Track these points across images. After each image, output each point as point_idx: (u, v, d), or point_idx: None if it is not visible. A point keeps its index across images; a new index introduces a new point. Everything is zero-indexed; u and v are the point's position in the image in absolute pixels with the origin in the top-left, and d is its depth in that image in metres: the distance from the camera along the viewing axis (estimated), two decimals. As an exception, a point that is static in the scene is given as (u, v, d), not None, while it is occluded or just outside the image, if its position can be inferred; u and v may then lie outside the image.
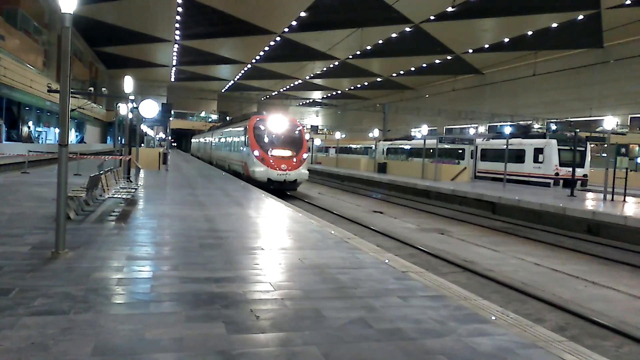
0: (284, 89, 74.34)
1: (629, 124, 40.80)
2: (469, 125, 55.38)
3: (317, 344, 3.65)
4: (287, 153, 20.96)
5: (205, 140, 45.99)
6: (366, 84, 66.74)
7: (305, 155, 21.36)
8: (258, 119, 22.04)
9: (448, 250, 11.12)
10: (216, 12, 38.90)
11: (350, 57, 50.65)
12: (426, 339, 3.87)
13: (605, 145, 21.85)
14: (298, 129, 22.39)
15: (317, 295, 4.92)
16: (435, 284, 5.61)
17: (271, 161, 20.43)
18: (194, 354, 3.36)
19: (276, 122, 21.81)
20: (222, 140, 32.19)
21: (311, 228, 9.07)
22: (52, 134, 41.50)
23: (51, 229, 6.72)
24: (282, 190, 20.91)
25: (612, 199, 18.74)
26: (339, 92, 75.57)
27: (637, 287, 8.61)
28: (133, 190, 11.30)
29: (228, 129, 30.00)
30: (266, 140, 21.17)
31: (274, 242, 7.58)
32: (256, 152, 20.61)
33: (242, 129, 23.23)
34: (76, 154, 20.05)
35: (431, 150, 32.32)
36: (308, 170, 21.93)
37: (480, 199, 19.49)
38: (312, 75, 62.94)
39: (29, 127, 36.38)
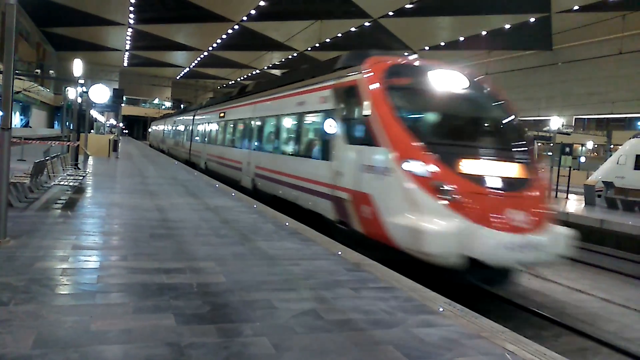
0: (241, 78, 73.43)
1: (573, 124, 42.71)
2: (424, 121, 56.35)
3: (268, 334, 3.65)
4: (511, 171, 7.07)
5: (179, 126, 29.91)
6: (324, 76, 66.74)
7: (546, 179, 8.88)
8: (390, 66, 8.07)
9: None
10: (173, -4, 37.98)
11: (309, 49, 50.52)
12: (376, 329, 3.94)
13: (551, 145, 22.82)
14: (505, 106, 8.48)
15: (269, 286, 4.91)
16: (386, 275, 5.71)
17: (478, 204, 6.36)
18: (142, 346, 3.29)
19: (450, 79, 8.04)
20: (231, 127, 16.61)
21: (265, 219, 9.04)
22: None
23: (-9, 217, 6.40)
24: (494, 283, 7.23)
25: (556, 196, 19.59)
26: (297, 83, 75.29)
27: (575, 280, 9.06)
28: (81, 178, 10.93)
29: (262, 97, 13.69)
30: (442, 132, 7.75)
31: (226, 231, 7.50)
32: (420, 170, 6.57)
33: (331, 95, 9.00)
34: (20, 139, 19.13)
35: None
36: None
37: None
38: (270, 65, 62.41)
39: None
